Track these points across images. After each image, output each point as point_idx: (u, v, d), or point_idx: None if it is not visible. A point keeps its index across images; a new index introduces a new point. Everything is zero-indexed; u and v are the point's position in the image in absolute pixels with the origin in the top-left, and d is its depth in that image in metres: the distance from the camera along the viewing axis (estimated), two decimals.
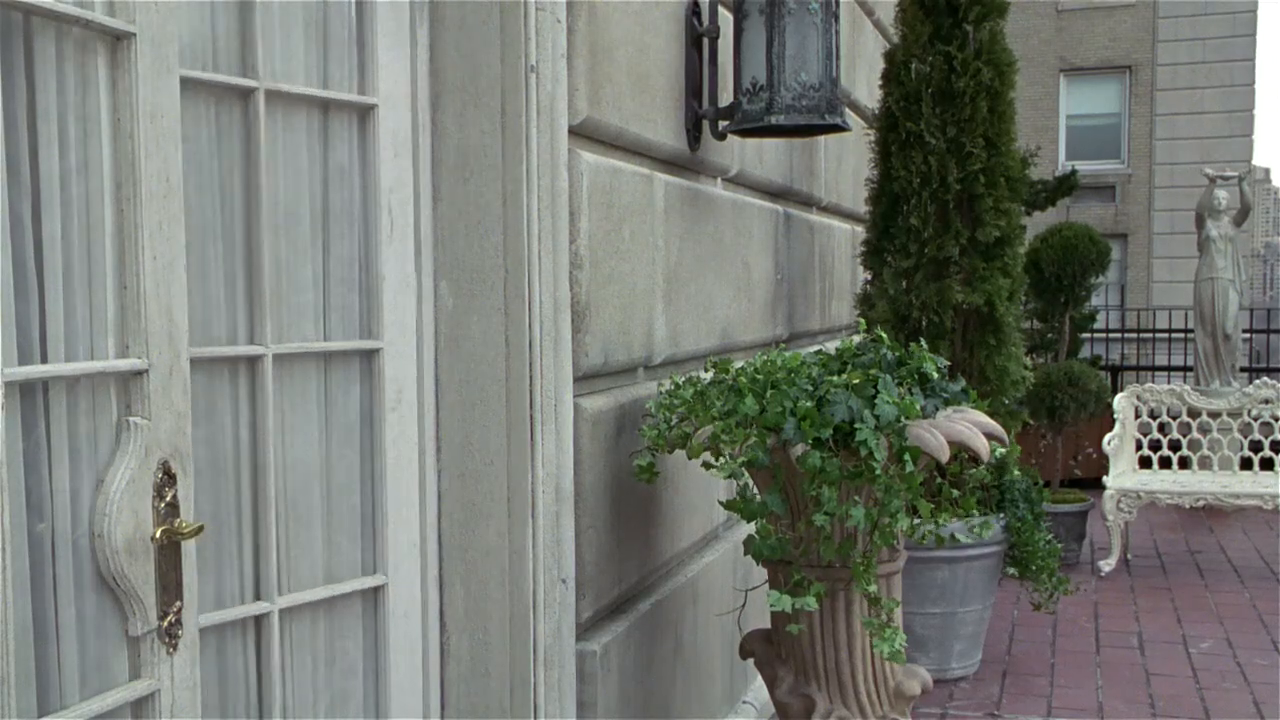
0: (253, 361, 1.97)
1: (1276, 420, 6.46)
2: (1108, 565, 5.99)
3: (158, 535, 1.50)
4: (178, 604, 1.54)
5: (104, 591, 1.46)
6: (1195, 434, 6.62)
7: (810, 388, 2.46)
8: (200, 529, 1.56)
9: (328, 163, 2.18)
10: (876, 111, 4.61)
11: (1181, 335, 10.07)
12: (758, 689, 3.46)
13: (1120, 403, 6.46)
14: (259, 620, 1.97)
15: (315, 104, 2.13)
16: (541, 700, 2.38)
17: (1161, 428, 6.63)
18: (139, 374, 1.50)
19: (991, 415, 2.71)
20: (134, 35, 1.48)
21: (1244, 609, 5.35)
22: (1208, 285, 7.51)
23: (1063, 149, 20.61)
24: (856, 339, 2.80)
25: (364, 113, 2.21)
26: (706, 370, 2.78)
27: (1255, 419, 6.52)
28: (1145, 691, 4.28)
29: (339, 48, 2.19)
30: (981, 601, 4.41)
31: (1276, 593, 5.62)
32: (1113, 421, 6.37)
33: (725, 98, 3.14)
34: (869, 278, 4.62)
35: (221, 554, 1.91)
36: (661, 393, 2.72)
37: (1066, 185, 9.31)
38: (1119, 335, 11.47)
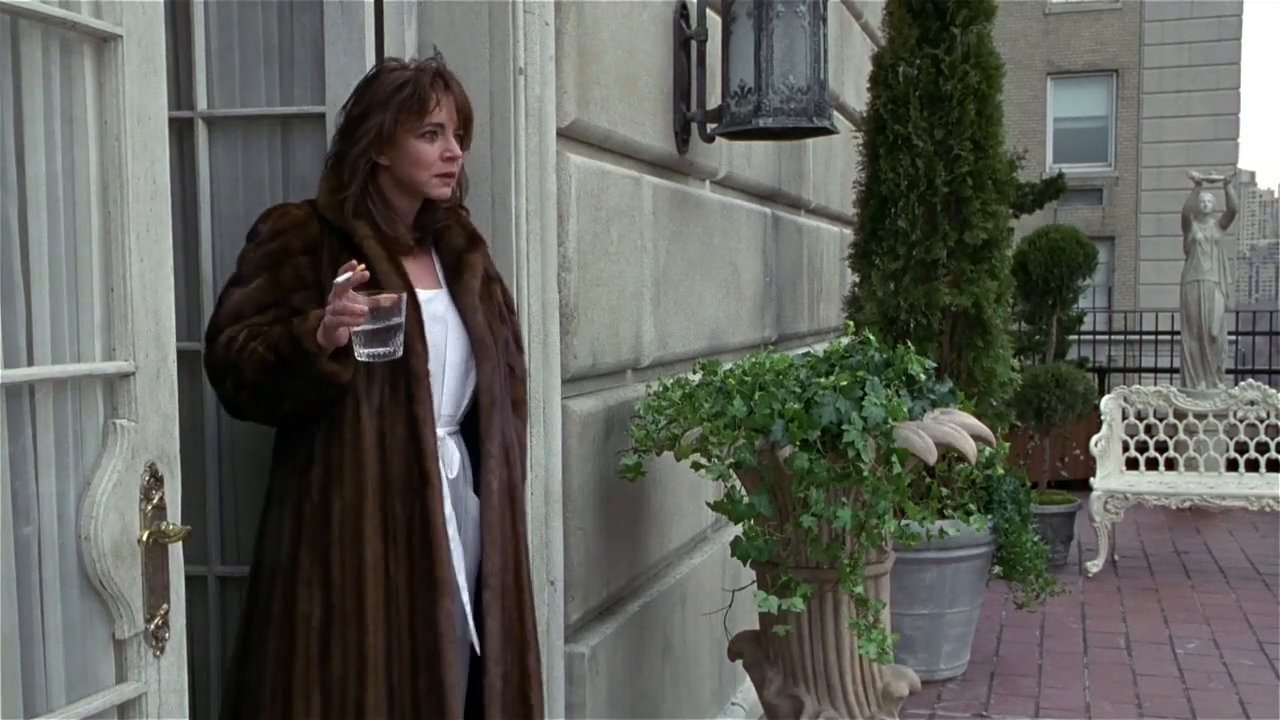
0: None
1: (1262, 422, 6.49)
2: (1095, 566, 6.01)
3: (145, 538, 1.50)
4: (165, 606, 1.53)
5: (90, 594, 1.46)
6: (1182, 435, 6.65)
7: (798, 389, 2.47)
8: (188, 531, 1.56)
9: (288, 171, 2.29)
10: (864, 114, 4.62)
11: (1168, 337, 10.11)
12: (746, 690, 3.46)
13: (1107, 404, 6.48)
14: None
15: (276, 119, 2.33)
16: None
17: (1148, 429, 6.65)
18: (126, 376, 1.50)
19: (979, 417, 2.73)
20: (121, 37, 1.48)
21: (1230, 609, 5.38)
22: (1194, 288, 7.54)
23: (1050, 151, 20.68)
24: (845, 341, 2.80)
25: (317, 120, 2.27)
26: (695, 372, 2.78)
27: (1241, 420, 6.56)
28: (1132, 692, 4.30)
29: (300, 66, 2.32)
30: (969, 602, 4.42)
31: (1262, 593, 5.65)
32: (1100, 423, 6.39)
33: (713, 100, 3.15)
34: (857, 280, 4.64)
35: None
36: (650, 394, 2.72)
37: (1054, 188, 9.33)
38: (1106, 337, 11.51)
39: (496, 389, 2.08)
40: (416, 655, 1.95)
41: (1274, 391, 6.54)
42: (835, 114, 3.64)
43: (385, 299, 1.86)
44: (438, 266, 2.13)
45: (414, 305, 1.97)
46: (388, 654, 1.93)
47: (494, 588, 2.04)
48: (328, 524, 1.94)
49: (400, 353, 1.89)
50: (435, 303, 2.07)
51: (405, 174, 2.04)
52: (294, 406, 1.94)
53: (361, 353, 1.88)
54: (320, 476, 1.95)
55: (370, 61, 2.24)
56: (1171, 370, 9.26)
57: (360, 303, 1.83)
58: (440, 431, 2.04)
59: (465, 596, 2.04)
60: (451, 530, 2.02)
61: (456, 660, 1.99)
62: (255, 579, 2.03)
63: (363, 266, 1.86)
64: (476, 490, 2.09)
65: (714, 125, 3.12)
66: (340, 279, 1.84)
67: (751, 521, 2.52)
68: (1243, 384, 6.70)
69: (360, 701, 1.91)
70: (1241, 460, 6.49)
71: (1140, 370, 10.29)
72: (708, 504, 2.81)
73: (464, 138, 2.10)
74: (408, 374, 1.96)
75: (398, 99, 2.01)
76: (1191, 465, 6.64)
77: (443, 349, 2.05)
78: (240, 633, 2.04)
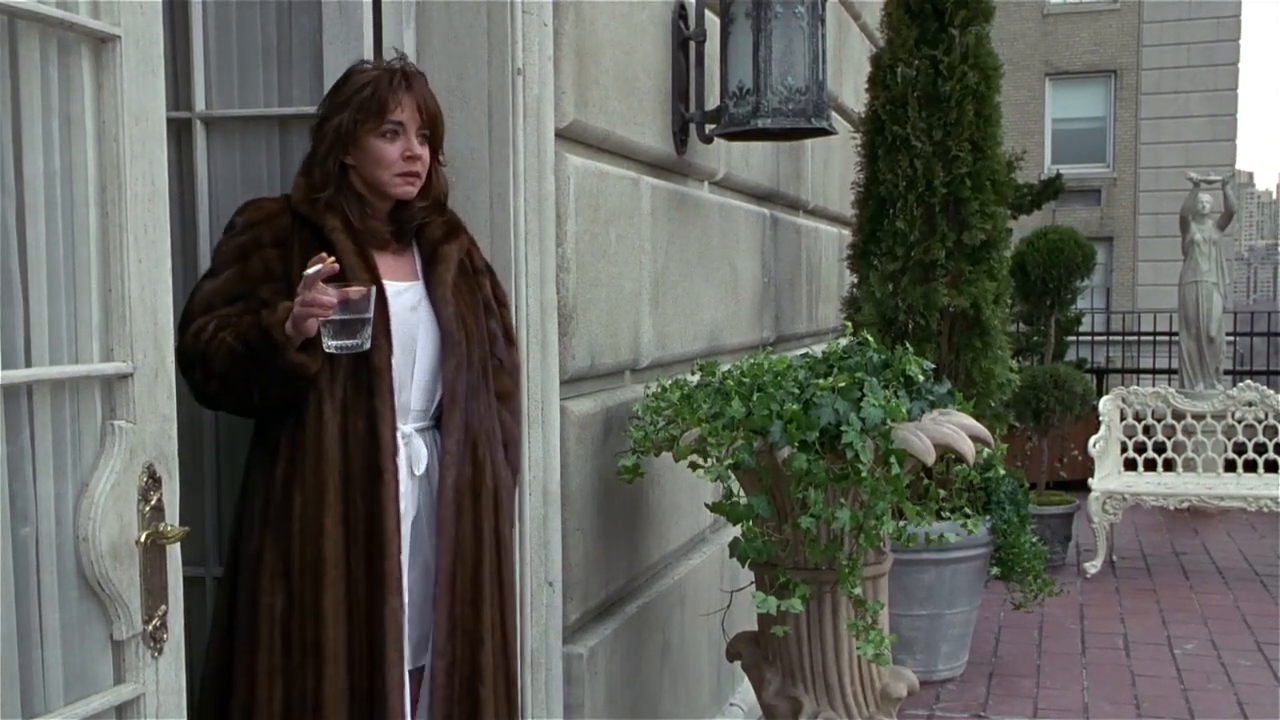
0: None
1: (1260, 423, 6.49)
2: (1093, 567, 6.02)
3: (143, 539, 1.50)
4: (163, 608, 1.53)
5: (88, 595, 1.46)
6: (1180, 436, 6.65)
7: (797, 390, 2.47)
8: (186, 532, 1.56)
9: (286, 172, 2.27)
10: (863, 115, 4.62)
11: (1166, 338, 10.12)
12: (745, 691, 3.46)
13: (1105, 405, 6.49)
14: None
15: (274, 120, 2.32)
16: (528, 703, 2.38)
17: (1146, 430, 6.66)
18: (124, 377, 1.50)
19: (977, 418, 2.72)
20: (119, 38, 1.48)
21: (1228, 610, 5.38)
22: (1192, 288, 7.55)
23: (1048, 152, 20.69)
24: (843, 342, 2.80)
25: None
26: (693, 373, 2.78)
27: (1239, 421, 6.56)
28: (1130, 692, 4.30)
29: (298, 66, 2.32)
30: (968, 603, 4.42)
31: (1260, 594, 5.65)
32: (1098, 424, 6.39)
33: (712, 101, 3.15)
34: (856, 281, 4.64)
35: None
36: (648, 395, 2.72)
37: (1052, 189, 9.34)
38: (1104, 338, 11.52)
39: (460, 385, 2.08)
40: (373, 650, 1.97)
41: (1272, 392, 6.55)
42: (834, 115, 3.64)
43: (354, 291, 1.88)
44: (417, 259, 2.14)
45: (380, 300, 1.98)
46: (349, 648, 1.96)
47: (443, 583, 2.05)
48: (289, 517, 1.97)
49: (368, 345, 1.92)
50: (410, 295, 2.08)
51: (369, 174, 2.06)
52: (262, 397, 1.96)
53: (329, 344, 1.90)
54: (284, 470, 1.98)
55: None
56: (1170, 371, 9.27)
57: (329, 294, 1.85)
58: (408, 427, 2.05)
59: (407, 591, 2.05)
60: (406, 526, 2.03)
61: (402, 657, 2.00)
62: (228, 567, 2.07)
63: (333, 259, 1.88)
64: None
65: (712, 126, 3.12)
66: (310, 270, 1.86)
67: (750, 522, 2.52)
68: (1241, 385, 6.70)
69: (318, 694, 1.94)
70: (1239, 461, 6.49)
71: (1138, 371, 10.30)
72: (706, 505, 2.80)
73: (432, 138, 2.10)
74: (369, 370, 1.98)
75: (357, 99, 2.04)
76: (1189, 466, 6.65)
77: (414, 341, 2.07)
78: (215, 618, 2.07)
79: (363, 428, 1.98)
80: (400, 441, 2.03)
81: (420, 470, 2.07)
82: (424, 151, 2.08)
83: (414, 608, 2.05)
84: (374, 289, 1.92)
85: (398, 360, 2.02)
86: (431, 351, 2.08)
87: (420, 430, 2.09)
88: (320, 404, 1.97)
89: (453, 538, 2.06)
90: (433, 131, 2.10)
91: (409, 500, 2.04)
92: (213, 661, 2.04)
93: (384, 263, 2.07)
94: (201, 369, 1.96)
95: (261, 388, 1.94)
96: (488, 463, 2.12)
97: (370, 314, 1.89)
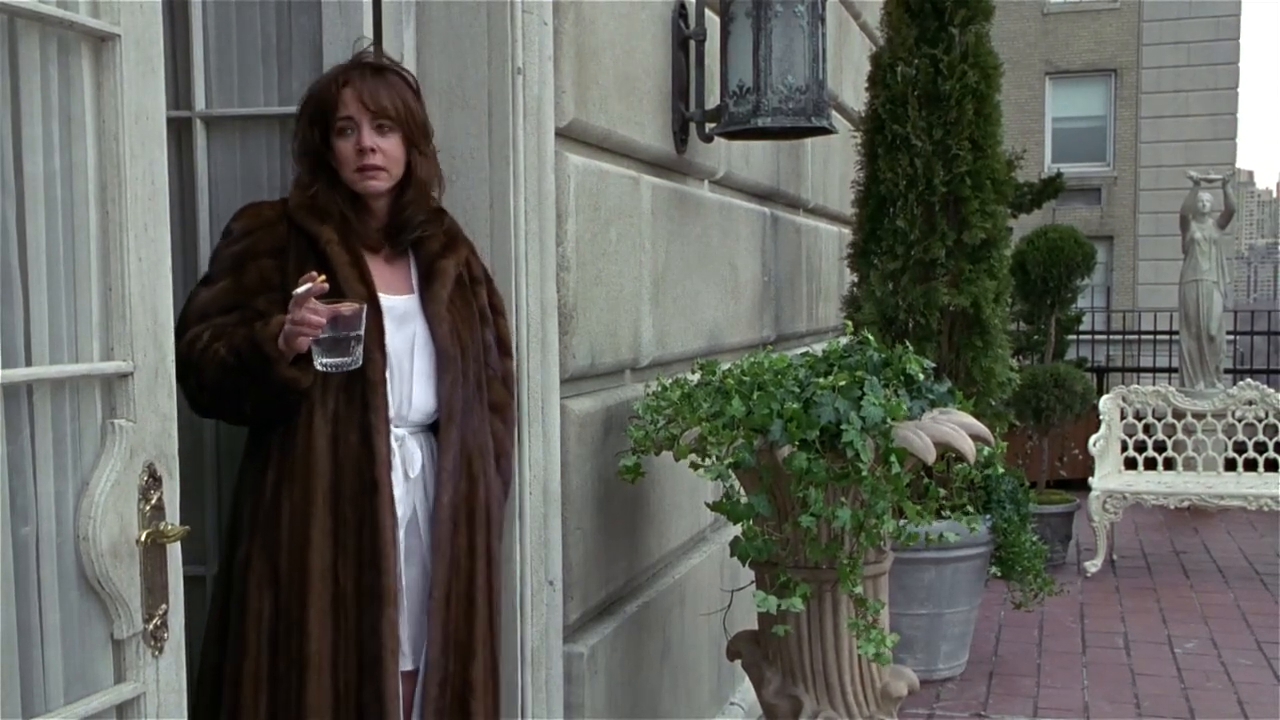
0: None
1: (1260, 421, 6.49)
2: (1093, 566, 6.02)
3: (143, 538, 1.50)
4: (163, 607, 1.53)
5: (89, 595, 1.46)
6: (1180, 435, 6.65)
7: (797, 389, 2.47)
8: (186, 531, 1.56)
9: (286, 171, 2.27)
10: (863, 114, 4.62)
11: (1166, 337, 10.11)
12: (745, 690, 3.46)
13: (1106, 404, 6.49)
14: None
15: (274, 119, 2.32)
16: (529, 703, 2.38)
17: (1147, 429, 6.66)
18: (124, 376, 1.50)
19: (978, 417, 2.72)
20: (119, 37, 1.48)
21: (1228, 609, 5.38)
22: (1192, 287, 7.54)
23: (1049, 151, 20.69)
24: (843, 341, 2.80)
25: None
26: (693, 372, 2.78)
27: (1239, 420, 6.56)
28: (1131, 691, 4.30)
29: (298, 66, 2.32)
30: (968, 602, 4.42)
31: (1260, 593, 5.65)
32: (1098, 423, 6.39)
33: (712, 100, 3.15)
34: (856, 280, 4.64)
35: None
36: (648, 394, 2.72)
37: (1052, 188, 9.33)
38: (1105, 337, 11.51)
39: (456, 402, 2.08)
40: (362, 663, 1.96)
41: (1272, 391, 6.55)
42: (833, 114, 3.64)
43: (346, 308, 1.86)
44: (413, 271, 2.13)
45: (375, 312, 1.97)
46: (334, 658, 1.95)
47: (437, 598, 2.04)
48: (277, 526, 1.96)
49: (359, 363, 1.91)
50: (405, 308, 2.07)
51: (341, 173, 2.05)
52: (254, 409, 1.96)
53: (320, 362, 1.89)
54: (273, 478, 1.98)
55: None
56: (1170, 370, 9.26)
57: (320, 313, 1.84)
58: (401, 431, 2.05)
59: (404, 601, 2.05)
60: (401, 532, 2.03)
61: (398, 666, 1.99)
62: (222, 570, 2.07)
63: (322, 278, 1.87)
64: None
65: (712, 125, 3.12)
66: (300, 290, 1.84)
67: (750, 521, 2.52)
68: (1241, 383, 6.70)
69: (302, 702, 1.94)
70: (1240, 460, 6.49)
71: (1139, 370, 10.29)
72: (706, 504, 2.81)
73: (406, 128, 2.05)
74: (364, 382, 1.97)
75: (309, 102, 2.05)
76: (1190, 465, 6.64)
77: (410, 354, 2.06)
78: (208, 619, 2.07)
79: (356, 440, 1.97)
80: (394, 444, 2.02)
81: (415, 473, 2.06)
82: (381, 142, 2.03)
83: (410, 610, 2.05)
84: (364, 306, 1.90)
85: (391, 374, 2.01)
86: (426, 365, 2.07)
87: (412, 433, 2.08)
88: (311, 414, 1.96)
89: (448, 554, 2.05)
90: (396, 121, 2.04)
91: (404, 505, 2.04)
92: (207, 661, 2.04)
93: (379, 273, 2.05)
94: (195, 379, 1.95)
95: (253, 400, 1.94)
96: (482, 476, 2.12)
97: (361, 331, 1.88)
